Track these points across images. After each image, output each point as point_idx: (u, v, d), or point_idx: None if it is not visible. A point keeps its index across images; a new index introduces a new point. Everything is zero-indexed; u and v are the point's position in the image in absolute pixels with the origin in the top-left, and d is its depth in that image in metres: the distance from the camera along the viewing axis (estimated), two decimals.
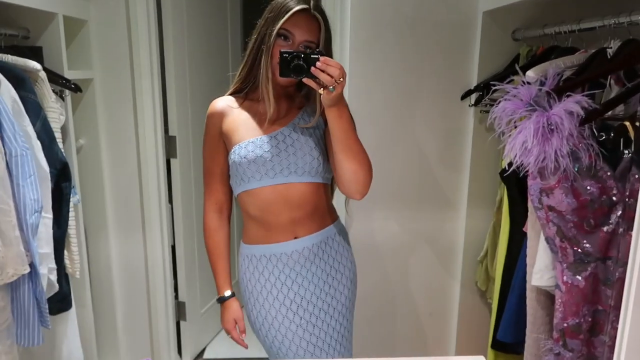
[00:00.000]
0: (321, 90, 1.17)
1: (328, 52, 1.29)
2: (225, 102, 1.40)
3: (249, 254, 1.42)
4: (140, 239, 2.22)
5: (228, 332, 1.47)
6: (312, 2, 1.26)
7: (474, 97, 1.91)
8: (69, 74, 1.80)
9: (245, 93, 1.40)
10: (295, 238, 1.37)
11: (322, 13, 1.28)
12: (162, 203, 2.24)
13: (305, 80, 1.18)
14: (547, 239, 1.28)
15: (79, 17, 1.92)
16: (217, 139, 1.40)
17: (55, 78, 1.71)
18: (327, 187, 1.43)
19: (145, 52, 2.05)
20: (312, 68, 1.14)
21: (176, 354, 2.49)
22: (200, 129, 1.47)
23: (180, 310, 2.53)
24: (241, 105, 1.39)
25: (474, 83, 1.91)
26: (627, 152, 1.10)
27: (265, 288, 1.39)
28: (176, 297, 2.51)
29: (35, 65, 1.53)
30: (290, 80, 1.30)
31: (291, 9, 1.24)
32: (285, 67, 1.18)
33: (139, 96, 2.09)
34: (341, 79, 1.14)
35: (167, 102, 2.32)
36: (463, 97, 1.93)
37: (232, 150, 1.35)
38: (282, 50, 1.19)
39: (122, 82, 2.06)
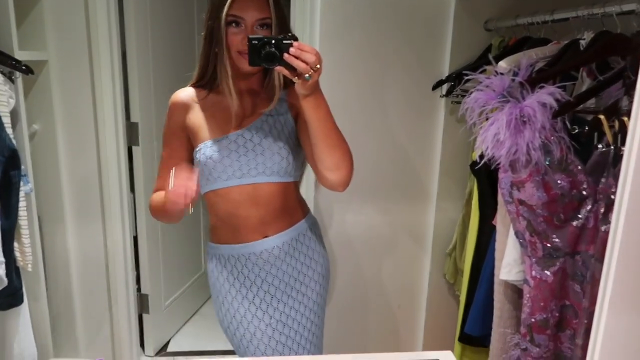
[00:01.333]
0: (295, 79, 1.06)
1: (285, 29, 1.20)
2: (189, 95, 1.32)
3: (217, 254, 1.36)
4: (100, 229, 2.12)
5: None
6: None
7: (445, 87, 1.88)
8: (19, 55, 1.68)
9: (209, 85, 1.31)
10: (266, 237, 1.32)
11: None
12: (123, 192, 2.14)
13: (278, 68, 1.07)
14: (516, 233, 1.27)
15: None
16: (179, 133, 1.32)
17: (3, 59, 1.59)
18: (297, 183, 1.38)
19: (104, 32, 1.93)
20: (286, 55, 1.04)
21: (138, 348, 2.41)
22: (164, 116, 1.37)
23: (142, 303, 2.45)
24: (205, 98, 1.31)
25: (445, 73, 1.88)
26: (600, 146, 1.08)
27: (234, 287, 1.34)
28: (138, 289, 2.42)
29: None
30: (254, 69, 1.22)
31: None
32: (256, 56, 1.07)
33: (98, 79, 1.97)
34: (317, 66, 1.04)
35: (129, 86, 2.20)
36: (434, 88, 1.90)
37: (198, 149, 1.28)
38: (250, 36, 1.08)
39: (79, 64, 1.94)
